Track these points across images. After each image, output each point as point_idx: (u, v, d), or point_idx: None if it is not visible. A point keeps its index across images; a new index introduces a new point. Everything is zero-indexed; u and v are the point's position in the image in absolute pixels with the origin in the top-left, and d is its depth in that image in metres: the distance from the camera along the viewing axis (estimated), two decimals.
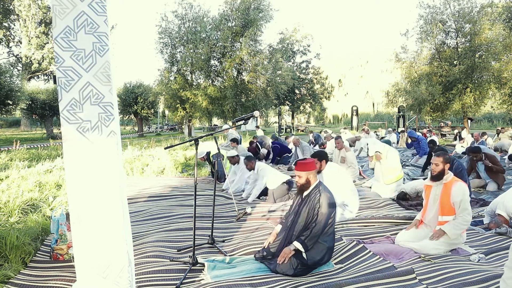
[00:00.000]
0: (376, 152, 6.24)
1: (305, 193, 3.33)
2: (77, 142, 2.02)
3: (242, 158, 6.78)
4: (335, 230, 4.18)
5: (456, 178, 3.70)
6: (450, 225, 3.52)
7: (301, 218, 3.23)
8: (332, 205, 3.17)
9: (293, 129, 33.88)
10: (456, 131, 20.48)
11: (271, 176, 6.01)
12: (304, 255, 3.06)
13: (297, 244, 3.06)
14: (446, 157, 3.67)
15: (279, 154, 10.62)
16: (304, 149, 9.86)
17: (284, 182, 5.91)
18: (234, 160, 6.88)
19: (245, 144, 13.35)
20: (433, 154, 3.80)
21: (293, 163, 9.79)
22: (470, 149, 7.15)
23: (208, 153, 8.16)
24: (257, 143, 11.68)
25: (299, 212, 3.28)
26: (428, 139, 10.62)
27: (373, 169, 9.13)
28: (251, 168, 6.23)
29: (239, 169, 6.88)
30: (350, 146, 12.19)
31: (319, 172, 4.91)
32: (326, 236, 3.17)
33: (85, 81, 2.03)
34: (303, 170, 3.28)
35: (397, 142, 16.57)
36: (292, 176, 7.28)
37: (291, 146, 11.19)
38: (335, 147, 8.21)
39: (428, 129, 21.09)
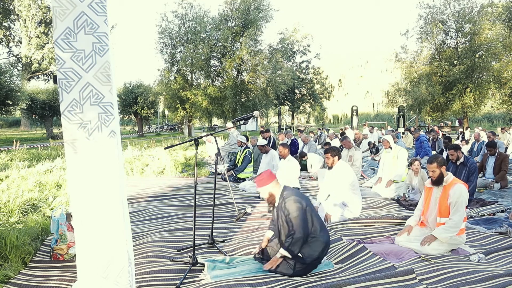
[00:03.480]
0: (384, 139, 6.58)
1: (276, 204, 3.29)
2: (78, 142, 2.02)
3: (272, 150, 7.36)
4: (335, 230, 4.19)
5: (457, 180, 3.70)
6: (440, 229, 3.53)
7: (282, 228, 3.19)
8: (299, 203, 3.11)
9: (293, 129, 33.84)
10: (460, 130, 20.46)
11: (293, 178, 5.95)
12: (300, 254, 3.05)
13: (283, 252, 3.04)
14: (439, 160, 3.67)
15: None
16: (311, 147, 10.11)
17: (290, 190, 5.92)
18: (265, 148, 7.24)
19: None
20: (427, 160, 3.81)
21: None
22: (487, 143, 7.43)
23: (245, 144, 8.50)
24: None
25: (278, 223, 3.24)
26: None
27: (373, 166, 9.14)
28: (284, 156, 6.19)
29: (273, 159, 7.11)
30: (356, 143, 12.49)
31: (330, 168, 4.92)
32: (317, 232, 3.12)
33: (85, 81, 2.03)
34: (262, 186, 3.23)
35: None
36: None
37: (300, 142, 11.37)
38: (343, 147, 8.10)
39: (428, 129, 21.09)
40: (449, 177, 3.69)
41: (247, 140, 9.15)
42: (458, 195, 3.53)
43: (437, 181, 3.68)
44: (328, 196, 5.00)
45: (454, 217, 3.51)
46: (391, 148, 6.46)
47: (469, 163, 5.57)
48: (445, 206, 3.59)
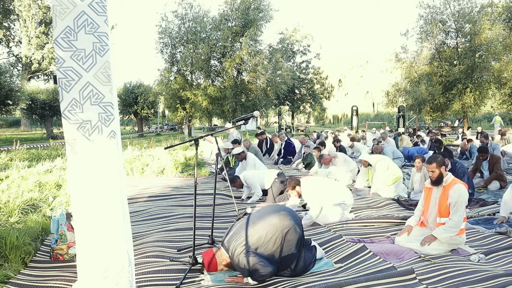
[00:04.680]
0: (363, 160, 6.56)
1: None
2: (78, 142, 2.02)
3: (250, 154, 7.20)
4: (335, 229, 4.19)
5: (456, 180, 3.70)
6: (440, 230, 3.52)
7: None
8: (246, 252, 2.93)
9: (293, 129, 33.86)
10: (460, 130, 20.41)
11: (262, 177, 6.03)
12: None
13: (250, 281, 2.90)
14: (438, 160, 3.66)
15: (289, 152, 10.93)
16: (310, 148, 10.20)
17: (276, 178, 5.94)
18: (241, 156, 7.11)
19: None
20: (425, 161, 3.80)
21: (298, 158, 10.18)
22: (479, 148, 7.38)
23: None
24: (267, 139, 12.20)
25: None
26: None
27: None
28: (242, 158, 6.21)
29: (247, 165, 7.09)
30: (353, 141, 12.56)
31: (300, 196, 4.72)
32: (286, 226, 3.00)
33: (85, 81, 2.03)
34: (215, 267, 3.07)
35: (397, 146, 15.84)
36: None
37: (297, 144, 11.40)
38: (321, 163, 7.95)
39: (428, 129, 21.07)
40: (448, 177, 3.69)
41: (239, 143, 9.08)
42: (458, 195, 3.53)
43: (437, 181, 3.68)
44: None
45: (454, 217, 3.51)
46: (370, 165, 6.42)
47: (457, 168, 5.53)
48: (445, 206, 3.59)
